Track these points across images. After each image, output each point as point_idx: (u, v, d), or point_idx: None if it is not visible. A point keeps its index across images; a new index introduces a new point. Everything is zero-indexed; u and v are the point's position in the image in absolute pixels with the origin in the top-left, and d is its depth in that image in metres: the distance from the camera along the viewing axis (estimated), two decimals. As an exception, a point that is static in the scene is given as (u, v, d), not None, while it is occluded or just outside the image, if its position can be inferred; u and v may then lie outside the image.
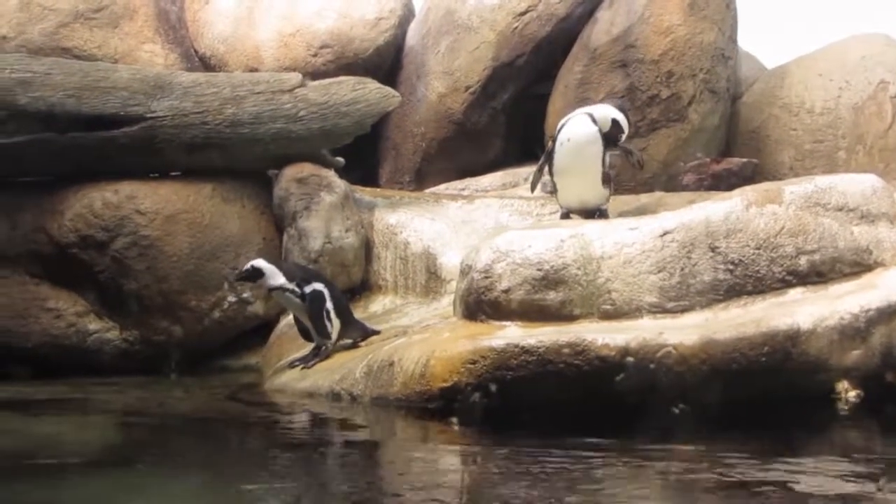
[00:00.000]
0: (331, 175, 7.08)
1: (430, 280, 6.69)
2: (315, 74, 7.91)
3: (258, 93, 7.06)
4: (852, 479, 3.59)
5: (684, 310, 4.96)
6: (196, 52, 8.92)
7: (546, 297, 4.99)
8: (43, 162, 6.94)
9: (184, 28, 8.96)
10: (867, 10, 9.64)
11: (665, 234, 5.08)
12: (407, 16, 8.86)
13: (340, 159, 7.30)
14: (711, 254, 5.03)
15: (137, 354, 6.88)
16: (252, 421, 5.24)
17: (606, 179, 6.25)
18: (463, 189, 8.18)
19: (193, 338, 6.88)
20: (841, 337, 4.74)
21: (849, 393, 4.76)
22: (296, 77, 7.26)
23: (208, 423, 5.15)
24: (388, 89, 7.43)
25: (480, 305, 5.10)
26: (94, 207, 6.80)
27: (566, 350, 4.62)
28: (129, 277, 6.78)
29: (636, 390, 4.61)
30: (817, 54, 8.23)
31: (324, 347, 5.84)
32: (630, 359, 4.60)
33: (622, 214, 6.15)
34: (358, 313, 6.31)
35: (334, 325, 5.82)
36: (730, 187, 6.00)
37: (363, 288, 6.95)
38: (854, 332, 4.77)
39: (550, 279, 5.00)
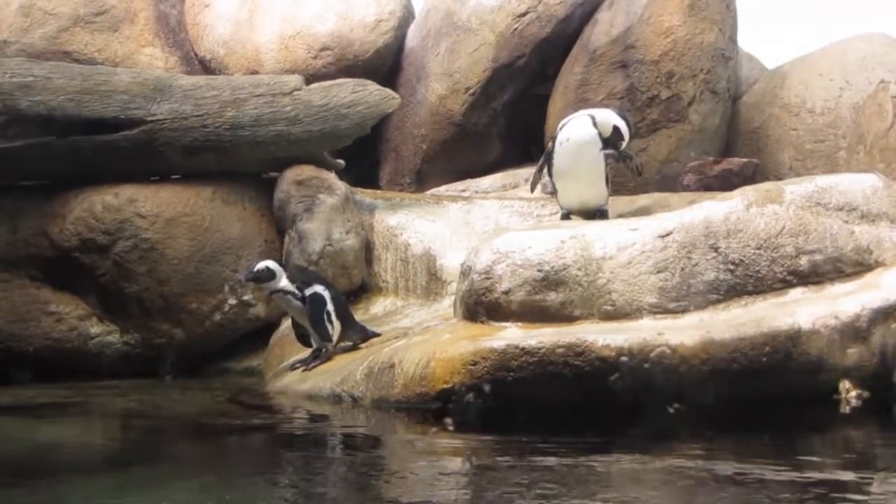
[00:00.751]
0: (331, 177, 7.08)
1: (431, 282, 6.69)
2: (315, 77, 7.92)
3: (258, 95, 7.06)
4: (853, 478, 3.58)
5: (685, 310, 4.95)
6: (196, 55, 8.92)
7: (546, 298, 4.99)
8: (43, 166, 6.95)
9: (184, 31, 8.97)
10: (867, 9, 9.63)
11: (665, 234, 5.07)
12: (406, 18, 8.87)
13: (341, 161, 7.31)
14: (712, 254, 5.03)
15: (138, 357, 6.89)
16: (253, 423, 5.23)
17: (606, 180, 6.24)
18: (463, 190, 8.18)
19: (194, 340, 6.88)
20: (842, 337, 4.74)
21: (850, 393, 4.76)
22: (296, 79, 7.26)
23: (209, 426, 5.15)
24: (388, 91, 7.43)
25: (481, 307, 5.09)
26: (94, 211, 6.80)
27: (567, 351, 4.61)
28: (130, 280, 6.78)
29: (636, 391, 4.60)
30: (818, 54, 8.23)
31: (324, 350, 5.84)
32: (630, 360, 4.60)
33: (622, 215, 6.14)
34: (359, 315, 6.31)
35: (335, 328, 5.82)
36: (730, 187, 5.99)
37: (364, 290, 6.96)
38: (855, 332, 4.76)
39: (551, 280, 5.00)
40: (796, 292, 5.00)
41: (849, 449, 4.29)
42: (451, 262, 6.51)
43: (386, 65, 8.67)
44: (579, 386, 4.60)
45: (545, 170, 6.39)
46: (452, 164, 8.41)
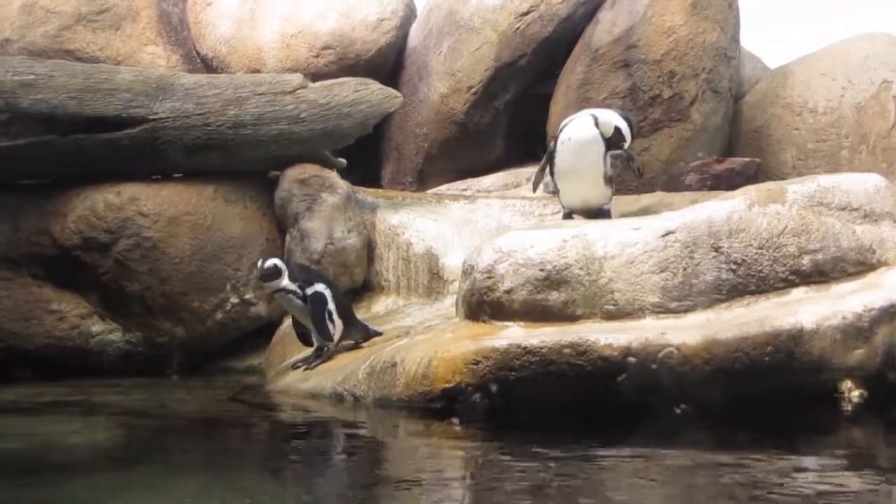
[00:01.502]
0: (333, 176, 7.08)
1: (433, 281, 6.69)
2: (317, 75, 7.91)
3: (260, 94, 7.06)
4: (854, 478, 3.58)
5: (687, 310, 4.95)
6: (198, 53, 8.92)
7: (548, 298, 4.99)
8: (45, 164, 6.95)
9: (186, 30, 8.97)
10: (869, 9, 9.63)
11: (668, 233, 5.07)
12: (409, 17, 8.86)
13: (342, 160, 7.30)
14: (714, 253, 5.02)
15: (140, 356, 6.89)
16: (255, 422, 5.23)
17: (608, 179, 6.24)
18: (465, 189, 8.18)
19: (196, 339, 6.88)
20: (844, 336, 4.73)
21: (852, 392, 4.75)
22: (298, 78, 7.26)
23: (211, 425, 5.15)
24: (390, 90, 7.43)
25: (483, 306, 5.09)
26: (96, 209, 6.80)
27: (569, 350, 4.61)
28: (132, 279, 6.78)
29: (638, 390, 4.60)
30: (820, 54, 8.22)
31: (326, 349, 5.84)
32: (632, 359, 4.60)
33: (624, 215, 6.14)
34: (360, 314, 6.31)
35: (336, 327, 5.82)
36: (732, 187, 5.99)
37: (366, 289, 6.96)
38: (857, 331, 4.75)
39: (553, 279, 5.00)
40: (799, 292, 5.00)
41: (851, 449, 4.29)
42: (452, 262, 6.51)
43: (388, 64, 8.67)
44: (581, 385, 4.60)
45: (547, 169, 6.39)
46: (454, 163, 8.40)
